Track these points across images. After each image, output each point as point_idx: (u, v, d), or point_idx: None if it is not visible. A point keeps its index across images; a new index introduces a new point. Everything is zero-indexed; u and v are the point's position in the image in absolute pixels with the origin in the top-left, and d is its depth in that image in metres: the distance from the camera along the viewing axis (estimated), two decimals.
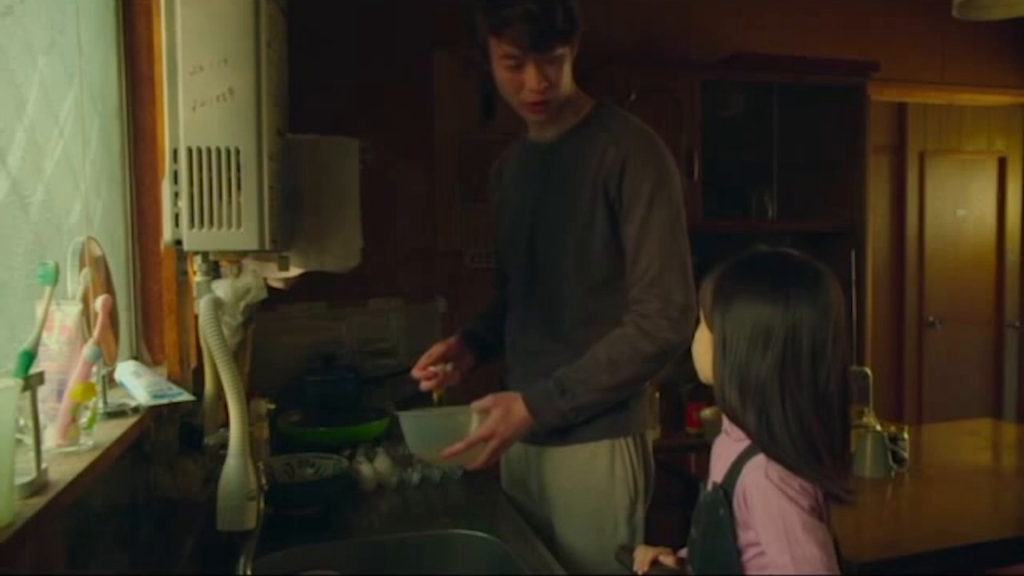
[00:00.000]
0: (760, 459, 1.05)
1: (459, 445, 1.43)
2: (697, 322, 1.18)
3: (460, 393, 1.63)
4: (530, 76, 1.47)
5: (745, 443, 1.08)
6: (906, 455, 2.35)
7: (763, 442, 1.04)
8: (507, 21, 1.41)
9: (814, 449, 1.03)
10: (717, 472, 1.13)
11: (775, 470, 1.03)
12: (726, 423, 1.14)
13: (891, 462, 2.31)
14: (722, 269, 1.13)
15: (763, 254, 1.14)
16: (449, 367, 1.67)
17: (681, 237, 1.51)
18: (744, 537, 1.07)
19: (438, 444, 1.45)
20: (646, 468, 1.61)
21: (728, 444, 1.12)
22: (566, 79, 1.52)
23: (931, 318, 4.14)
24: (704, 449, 2.78)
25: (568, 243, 1.55)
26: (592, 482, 1.56)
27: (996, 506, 2.25)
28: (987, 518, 2.14)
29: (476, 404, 1.48)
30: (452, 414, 1.51)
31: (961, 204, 4.21)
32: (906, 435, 2.37)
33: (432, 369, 1.65)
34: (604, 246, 1.53)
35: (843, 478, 1.07)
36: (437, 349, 1.69)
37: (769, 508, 1.02)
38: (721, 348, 1.08)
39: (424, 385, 1.65)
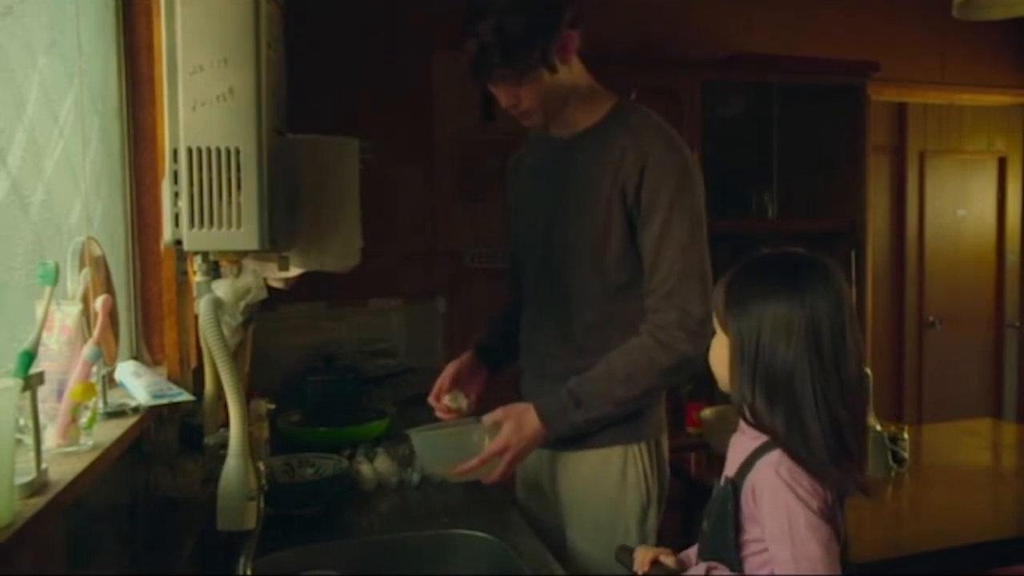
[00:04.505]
0: (774, 455, 1.06)
1: (474, 461, 1.42)
2: (712, 332, 1.19)
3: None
4: (500, 96, 1.48)
5: (761, 439, 1.09)
6: (906, 455, 2.35)
7: (792, 442, 1.04)
8: (462, 49, 1.44)
9: (842, 441, 1.04)
10: (730, 467, 1.14)
11: (787, 468, 1.04)
12: (741, 423, 1.14)
13: (891, 462, 2.30)
14: (731, 273, 1.14)
15: (770, 254, 1.15)
16: (464, 403, 1.64)
17: (702, 246, 1.48)
18: (749, 532, 1.08)
19: (451, 460, 1.45)
20: (660, 475, 1.59)
21: (743, 441, 1.13)
22: (546, 94, 1.47)
23: (931, 318, 4.14)
24: (704, 449, 2.80)
25: (583, 246, 1.52)
26: (604, 487, 1.55)
27: (996, 506, 2.25)
28: (987, 518, 2.14)
29: (487, 418, 1.47)
30: (463, 432, 1.49)
31: (961, 204, 4.21)
32: (906, 435, 2.37)
33: (447, 404, 1.63)
34: (621, 250, 1.49)
35: (864, 471, 1.10)
36: (450, 370, 1.67)
37: (776, 505, 1.03)
38: (740, 350, 1.08)
39: (439, 415, 1.64)
